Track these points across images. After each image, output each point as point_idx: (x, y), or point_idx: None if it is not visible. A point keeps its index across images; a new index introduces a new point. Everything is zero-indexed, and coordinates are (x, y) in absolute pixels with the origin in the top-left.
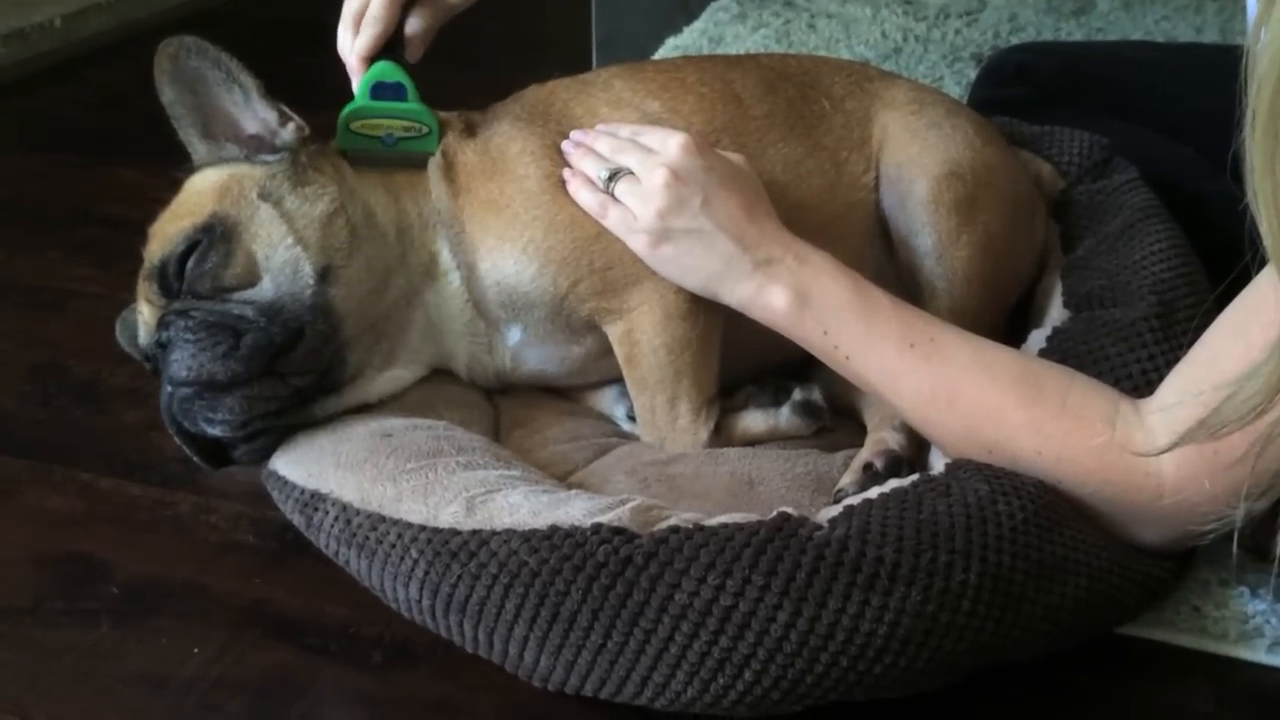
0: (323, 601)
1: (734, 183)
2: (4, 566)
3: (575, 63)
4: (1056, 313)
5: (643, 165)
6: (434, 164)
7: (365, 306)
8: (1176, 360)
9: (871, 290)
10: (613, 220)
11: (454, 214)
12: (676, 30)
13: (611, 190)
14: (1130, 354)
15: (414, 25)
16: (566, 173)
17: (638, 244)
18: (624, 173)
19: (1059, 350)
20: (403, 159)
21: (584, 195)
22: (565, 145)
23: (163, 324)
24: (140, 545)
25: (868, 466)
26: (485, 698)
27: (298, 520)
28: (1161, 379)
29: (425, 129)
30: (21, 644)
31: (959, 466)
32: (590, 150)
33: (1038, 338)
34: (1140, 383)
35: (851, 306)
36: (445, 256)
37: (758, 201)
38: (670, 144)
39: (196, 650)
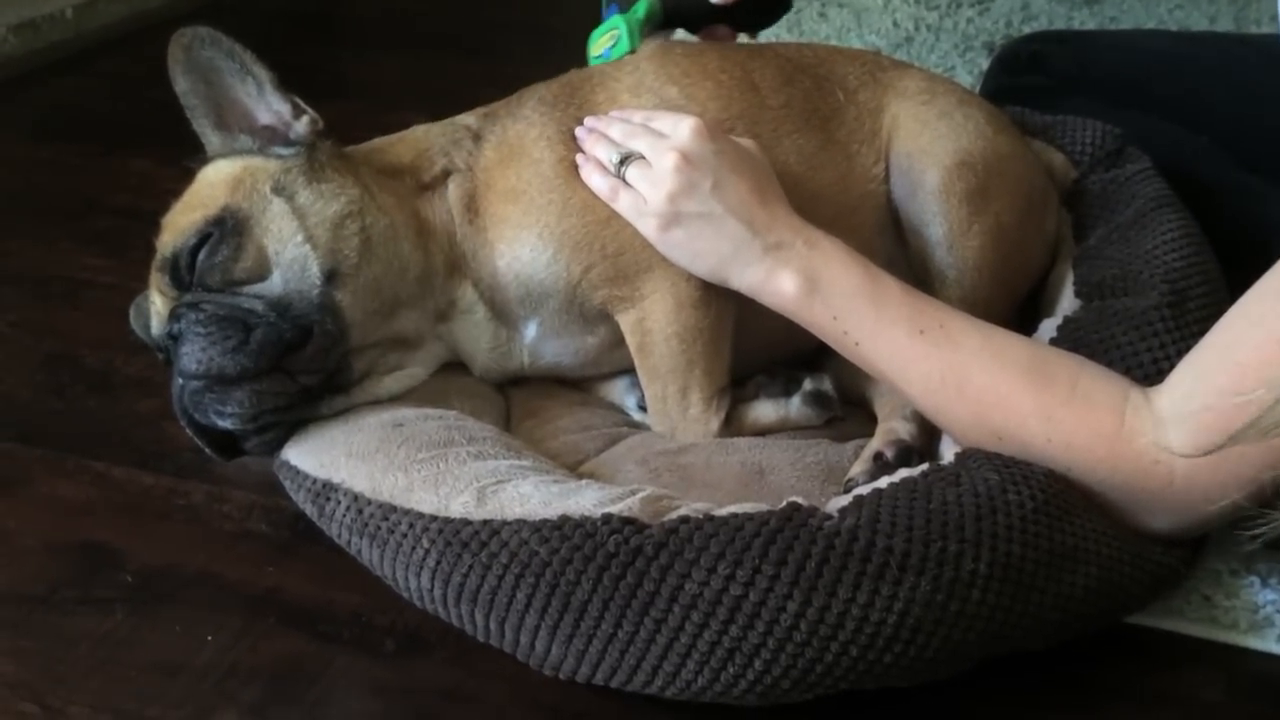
0: (335, 590)
1: (744, 167)
2: (19, 555)
3: (584, 53)
4: (1068, 302)
5: (653, 149)
6: (456, 196)
7: (371, 323)
8: (1188, 349)
9: (882, 276)
10: (623, 204)
11: (475, 241)
12: None
13: (623, 175)
14: (1141, 343)
15: None
16: (579, 158)
17: (648, 228)
18: (635, 157)
19: (1070, 339)
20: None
21: (596, 180)
22: (579, 131)
23: (174, 316)
24: (154, 534)
25: (878, 456)
26: (497, 686)
27: (310, 510)
28: (1172, 368)
29: (619, 32)
30: (37, 632)
31: (969, 456)
32: (603, 135)
33: (1049, 327)
34: (1151, 371)
35: (861, 292)
36: (469, 296)
37: (768, 186)
38: (681, 128)
39: (210, 638)
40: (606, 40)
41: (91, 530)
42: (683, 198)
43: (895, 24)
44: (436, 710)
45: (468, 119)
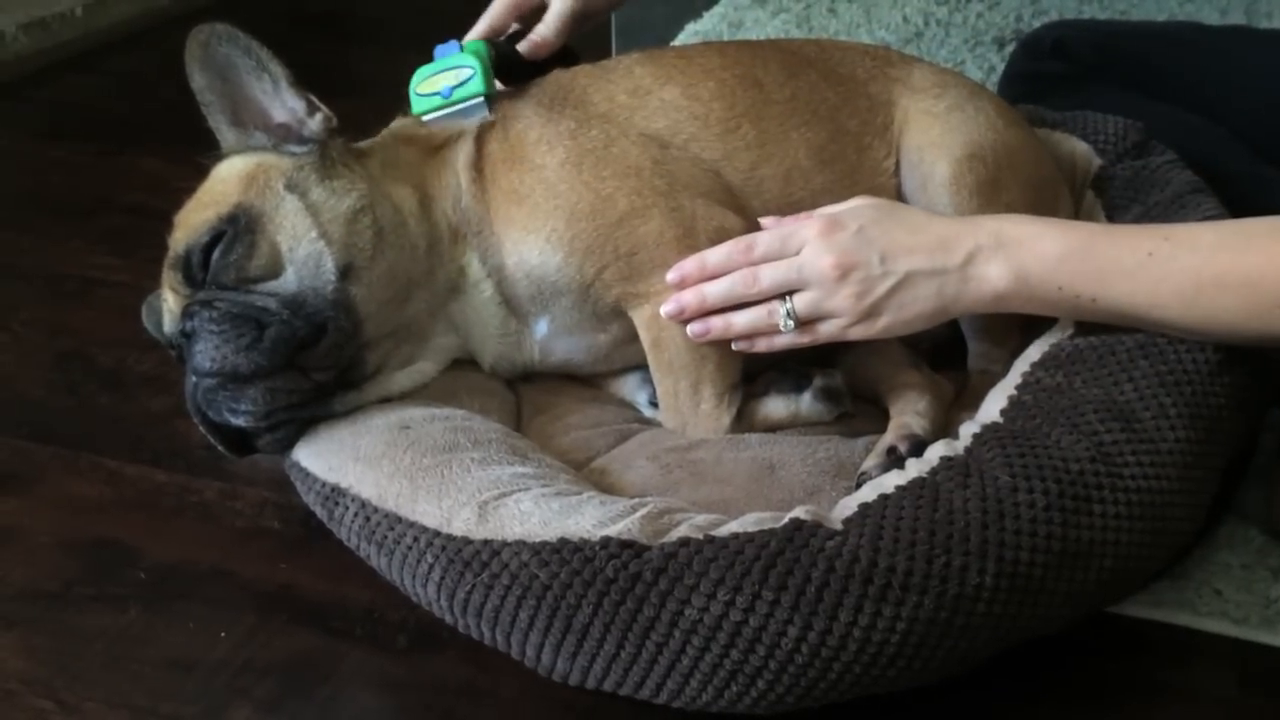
0: (348, 586)
1: (880, 217)
2: (33, 552)
3: (594, 48)
4: None
5: (803, 273)
6: (464, 161)
7: (386, 312)
8: None
9: (1075, 227)
10: (825, 332)
11: (481, 215)
12: (696, 15)
13: (796, 316)
14: None
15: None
16: (742, 344)
17: (860, 333)
18: (789, 297)
19: None
20: (461, 107)
21: (779, 340)
22: (692, 325)
23: (187, 314)
24: (167, 531)
25: (891, 450)
26: (509, 681)
27: (320, 512)
28: None
29: (470, 71)
30: (51, 628)
31: (983, 443)
32: (710, 297)
33: None
34: None
35: (1070, 254)
36: (475, 268)
37: (906, 214)
38: (802, 237)
39: (223, 634)
40: (448, 79)
41: (105, 527)
42: (868, 291)
43: (905, 19)
44: (449, 706)
45: None
